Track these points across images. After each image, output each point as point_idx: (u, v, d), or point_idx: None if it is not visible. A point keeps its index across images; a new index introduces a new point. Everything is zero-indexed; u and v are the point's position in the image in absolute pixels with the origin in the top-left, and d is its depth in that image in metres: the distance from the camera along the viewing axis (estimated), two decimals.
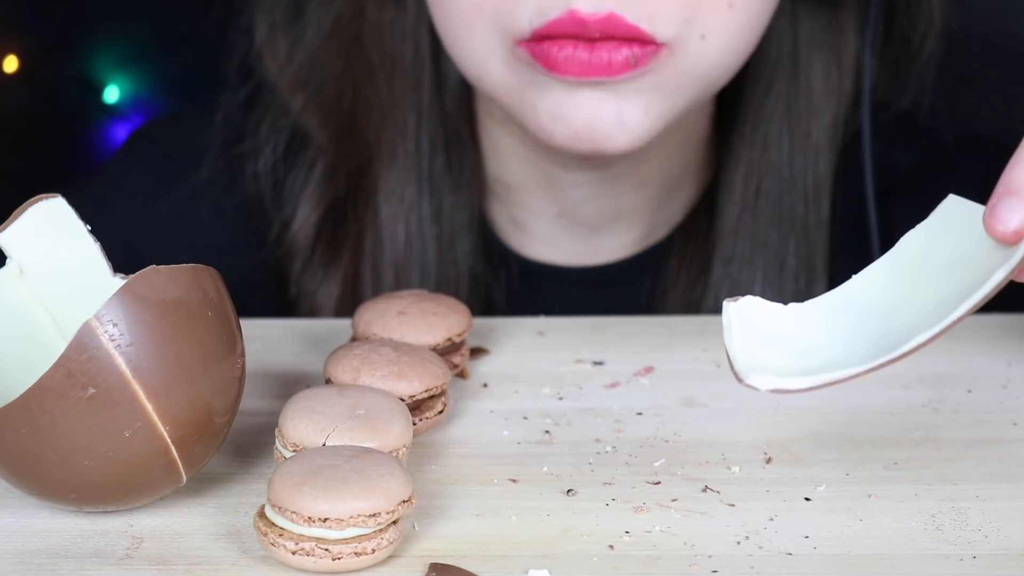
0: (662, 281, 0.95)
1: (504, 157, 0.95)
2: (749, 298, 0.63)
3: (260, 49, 0.94)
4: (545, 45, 0.80)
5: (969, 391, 0.75)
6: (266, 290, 0.95)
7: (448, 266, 0.93)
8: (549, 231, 0.96)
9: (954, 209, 0.63)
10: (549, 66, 0.80)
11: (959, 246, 0.62)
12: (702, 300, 0.93)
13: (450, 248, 0.93)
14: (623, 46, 0.79)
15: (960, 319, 0.59)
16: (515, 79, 0.83)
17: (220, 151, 0.96)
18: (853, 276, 0.64)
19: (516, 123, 0.87)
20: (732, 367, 0.61)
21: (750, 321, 0.63)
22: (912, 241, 0.64)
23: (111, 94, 1.29)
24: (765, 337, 0.63)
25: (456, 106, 0.93)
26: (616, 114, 0.81)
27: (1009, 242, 0.59)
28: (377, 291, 0.93)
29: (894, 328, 0.62)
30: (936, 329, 0.59)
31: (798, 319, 0.63)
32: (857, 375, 0.60)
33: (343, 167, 0.94)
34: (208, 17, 0.96)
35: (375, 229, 0.93)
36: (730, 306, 0.63)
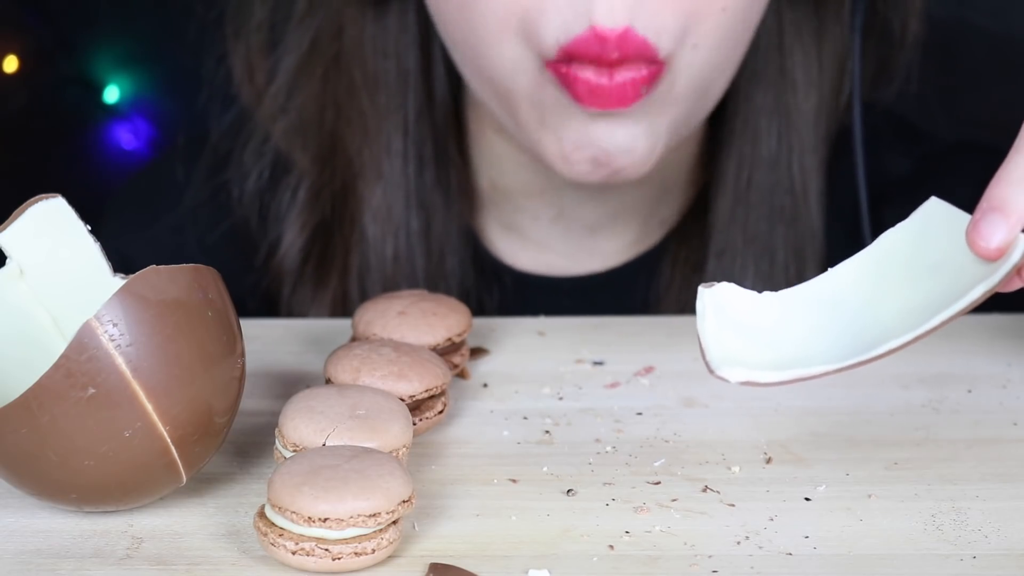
0: (656, 287, 0.95)
1: (500, 164, 0.95)
2: (724, 284, 0.64)
3: (238, 80, 0.94)
4: (572, 70, 0.80)
5: (969, 391, 0.75)
6: (256, 315, 0.94)
7: (438, 281, 0.93)
8: (545, 235, 0.96)
9: (936, 212, 0.63)
10: (576, 96, 0.81)
11: (940, 252, 0.62)
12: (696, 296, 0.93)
13: (440, 264, 0.93)
14: (631, 67, 0.80)
15: (935, 328, 0.59)
16: (541, 98, 0.83)
17: (205, 178, 0.96)
18: (830, 269, 0.64)
19: (527, 149, 0.87)
20: (704, 356, 0.61)
21: (724, 309, 0.63)
22: (892, 240, 0.64)
23: (111, 94, 1.29)
24: (739, 325, 0.63)
25: (445, 120, 0.93)
26: (628, 141, 0.82)
27: (991, 258, 0.60)
28: None
29: (869, 327, 0.62)
30: (910, 336, 0.59)
31: (772, 308, 0.64)
32: (828, 373, 0.60)
33: (327, 188, 0.94)
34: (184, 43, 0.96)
35: (362, 248, 0.93)
36: (705, 292, 0.63)
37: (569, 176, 0.84)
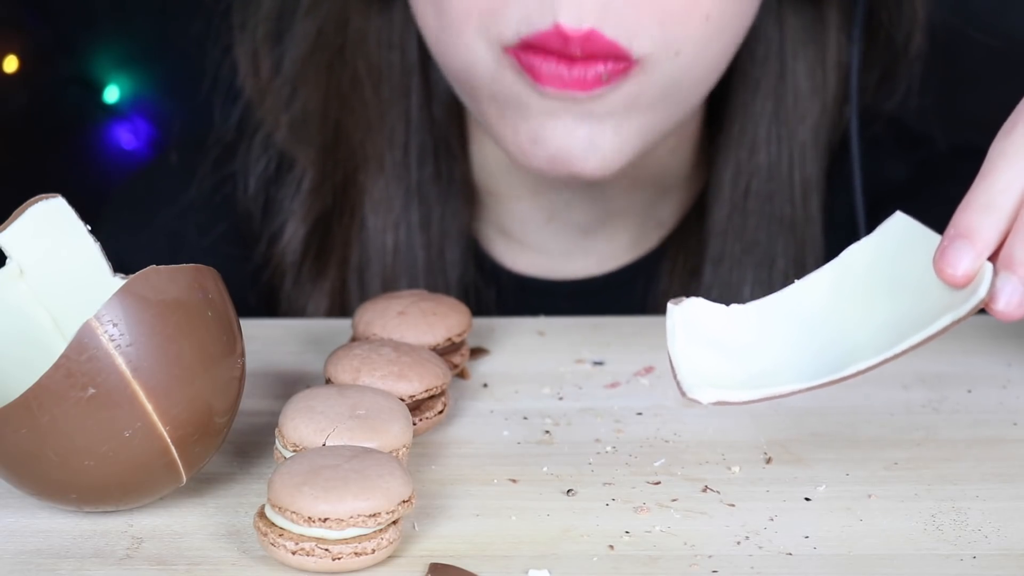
0: (654, 291, 0.95)
1: (492, 165, 0.95)
2: (693, 300, 0.64)
3: (243, 73, 0.94)
4: (531, 56, 0.80)
5: (969, 391, 0.75)
6: (257, 309, 0.94)
7: (437, 275, 0.93)
8: (539, 237, 0.95)
9: (902, 229, 0.64)
10: (534, 76, 0.80)
11: (908, 270, 0.62)
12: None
13: (439, 257, 0.93)
14: (598, 63, 0.79)
15: (904, 352, 0.60)
16: (501, 89, 0.82)
17: (209, 173, 0.96)
18: (796, 281, 0.65)
19: (493, 140, 0.87)
20: (675, 377, 0.61)
21: (694, 325, 0.63)
22: (857, 254, 0.65)
23: (111, 94, 1.29)
24: (709, 342, 0.63)
25: (445, 115, 0.93)
26: (588, 139, 0.81)
27: (958, 285, 0.60)
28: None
29: (837, 343, 0.62)
30: (879, 358, 0.60)
31: (743, 323, 0.64)
32: (799, 391, 0.61)
33: (329, 180, 0.94)
34: (187, 36, 0.96)
35: (362, 240, 0.93)
36: (674, 310, 0.63)
37: (530, 169, 0.84)
